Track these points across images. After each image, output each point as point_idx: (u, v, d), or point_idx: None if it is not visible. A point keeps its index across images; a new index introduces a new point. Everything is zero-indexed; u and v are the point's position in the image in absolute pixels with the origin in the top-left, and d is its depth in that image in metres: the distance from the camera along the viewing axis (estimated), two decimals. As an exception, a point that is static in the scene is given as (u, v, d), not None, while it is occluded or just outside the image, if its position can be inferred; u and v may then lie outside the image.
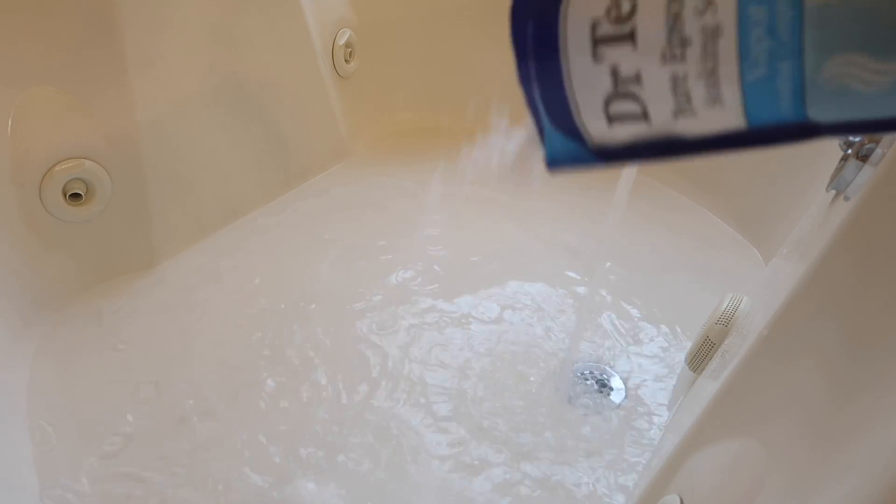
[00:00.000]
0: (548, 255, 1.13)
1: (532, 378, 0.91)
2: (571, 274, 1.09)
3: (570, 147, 0.32)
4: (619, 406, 0.87)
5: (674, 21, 0.26)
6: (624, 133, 0.30)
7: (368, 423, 0.84)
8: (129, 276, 1.04)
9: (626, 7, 0.28)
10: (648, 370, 0.92)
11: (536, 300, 1.04)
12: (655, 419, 0.85)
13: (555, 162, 0.33)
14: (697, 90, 0.27)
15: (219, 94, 1.12)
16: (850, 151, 0.53)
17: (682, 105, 0.28)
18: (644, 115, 0.29)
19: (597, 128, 0.31)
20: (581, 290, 1.06)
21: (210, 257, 1.11)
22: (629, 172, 0.75)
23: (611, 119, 0.30)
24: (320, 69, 1.30)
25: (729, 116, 0.27)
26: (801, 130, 0.26)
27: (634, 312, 1.02)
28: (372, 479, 0.77)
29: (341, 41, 1.36)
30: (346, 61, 1.39)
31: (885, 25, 0.23)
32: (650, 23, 0.27)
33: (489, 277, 1.08)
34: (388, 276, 1.08)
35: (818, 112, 0.25)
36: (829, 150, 0.73)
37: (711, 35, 0.26)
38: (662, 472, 0.60)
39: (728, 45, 0.25)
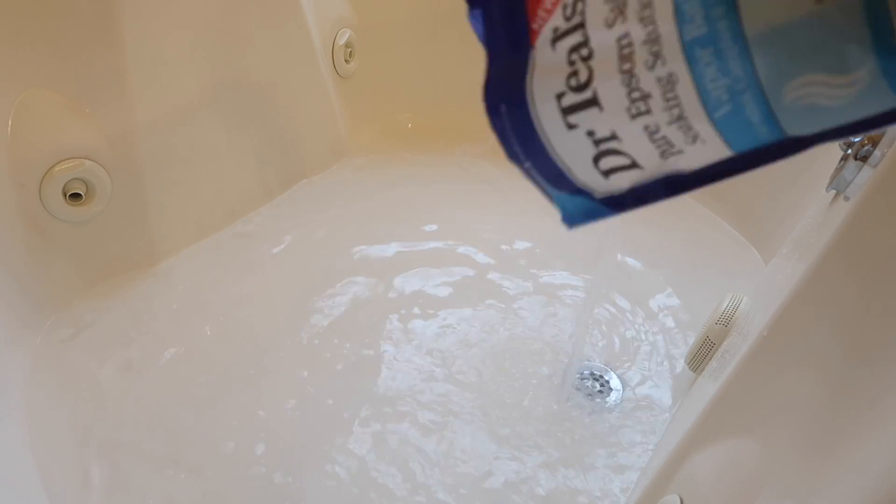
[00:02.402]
0: (548, 255, 1.13)
1: (532, 377, 0.91)
2: (571, 273, 1.09)
3: (579, 204, 0.33)
4: (617, 406, 0.87)
5: (629, 79, 0.27)
6: (624, 181, 0.31)
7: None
8: (129, 275, 1.04)
9: (583, 75, 0.28)
10: (648, 370, 0.92)
11: (536, 298, 1.04)
12: (654, 419, 0.85)
13: (571, 219, 0.34)
14: (674, 135, 0.27)
15: (219, 95, 1.12)
16: (849, 152, 0.53)
17: (666, 149, 0.28)
18: (634, 164, 0.29)
19: (596, 183, 0.31)
20: (581, 290, 1.06)
21: (210, 257, 1.11)
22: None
23: (605, 174, 0.30)
24: (320, 69, 1.30)
25: (714, 150, 0.27)
26: (788, 146, 0.26)
27: (634, 311, 1.02)
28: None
29: (341, 41, 1.36)
30: (346, 61, 1.39)
31: (830, 41, 0.22)
32: (608, 85, 0.27)
33: (490, 275, 1.08)
34: (389, 276, 1.08)
35: (797, 129, 0.25)
36: (829, 150, 0.73)
37: (668, 84, 0.26)
38: (662, 472, 0.60)
39: (687, 90, 0.26)
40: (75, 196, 0.95)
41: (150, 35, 1.00)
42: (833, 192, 0.56)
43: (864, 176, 0.50)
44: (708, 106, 0.25)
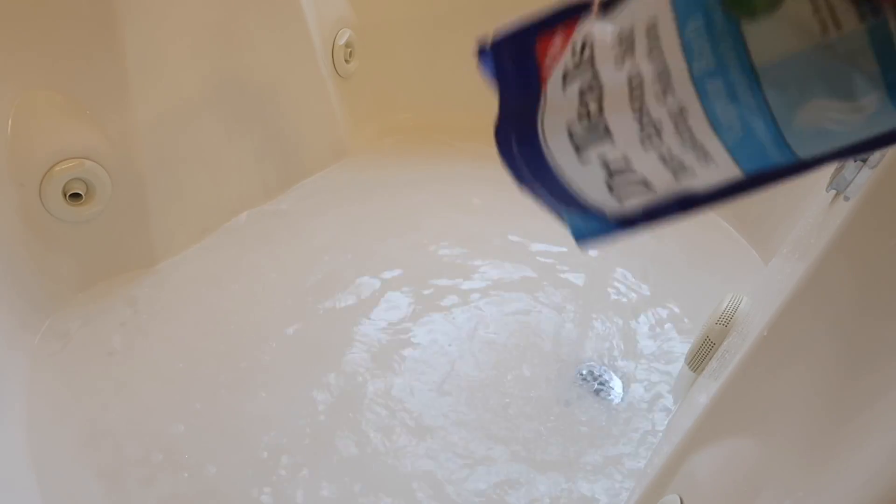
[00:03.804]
0: (547, 254, 1.13)
1: (532, 378, 0.91)
2: (571, 273, 1.09)
3: (591, 223, 0.33)
4: (617, 406, 0.87)
5: (640, 111, 0.27)
6: (636, 203, 0.31)
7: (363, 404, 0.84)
8: (128, 275, 1.04)
9: (594, 111, 0.29)
10: (648, 370, 0.92)
11: (536, 298, 1.04)
12: (654, 419, 0.85)
13: (581, 237, 0.34)
14: (687, 158, 0.28)
15: (219, 95, 1.12)
16: (849, 152, 0.53)
17: (678, 170, 0.28)
18: (646, 185, 0.30)
19: (609, 205, 0.32)
20: (581, 290, 1.06)
21: (210, 256, 1.11)
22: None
23: (619, 197, 0.31)
24: (320, 69, 1.30)
25: (725, 171, 0.28)
26: (797, 167, 0.27)
27: (634, 312, 1.02)
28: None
29: (341, 41, 1.36)
30: (346, 61, 1.38)
31: (837, 68, 0.23)
32: (619, 119, 0.28)
33: (489, 274, 1.08)
34: (389, 276, 1.08)
35: (806, 151, 0.26)
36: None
37: (679, 115, 0.26)
38: (662, 472, 0.60)
39: (698, 120, 0.26)
40: (75, 196, 0.95)
41: (151, 35, 1.00)
42: (833, 192, 0.56)
43: (864, 176, 0.50)
44: (720, 133, 0.26)
